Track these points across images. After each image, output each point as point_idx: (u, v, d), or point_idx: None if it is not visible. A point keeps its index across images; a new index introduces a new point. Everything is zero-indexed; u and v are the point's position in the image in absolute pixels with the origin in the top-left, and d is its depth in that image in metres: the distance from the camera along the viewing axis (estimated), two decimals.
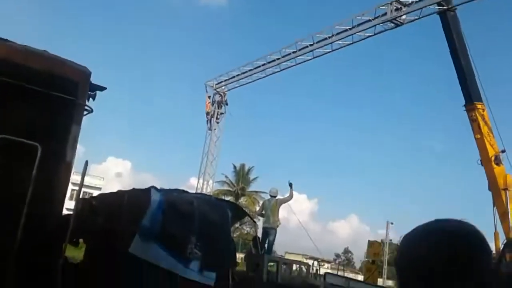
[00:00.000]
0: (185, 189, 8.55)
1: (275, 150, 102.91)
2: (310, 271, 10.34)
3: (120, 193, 7.07)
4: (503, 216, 14.69)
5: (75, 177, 8.98)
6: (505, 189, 14.75)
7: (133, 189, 7.12)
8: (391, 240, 45.50)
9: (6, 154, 4.91)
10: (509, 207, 14.59)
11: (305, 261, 13.94)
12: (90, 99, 6.17)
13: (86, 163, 5.94)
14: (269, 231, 10.62)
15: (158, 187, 7.12)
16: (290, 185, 11.10)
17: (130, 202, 6.50)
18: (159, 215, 6.41)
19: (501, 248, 13.82)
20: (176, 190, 7.70)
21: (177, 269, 6.27)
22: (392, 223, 41.89)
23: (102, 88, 6.24)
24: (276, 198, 11.00)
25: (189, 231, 6.58)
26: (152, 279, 6.10)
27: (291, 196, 11.13)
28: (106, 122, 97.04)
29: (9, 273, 4.90)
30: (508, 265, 13.30)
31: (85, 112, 5.98)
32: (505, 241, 14.02)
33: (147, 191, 6.66)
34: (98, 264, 6.32)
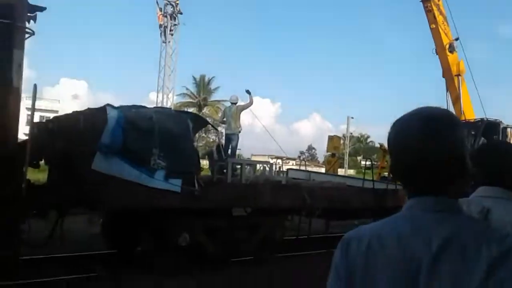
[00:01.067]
0: (145, 105, 8.56)
1: (235, 58, 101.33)
2: (274, 169, 10.82)
3: (75, 114, 7.04)
4: (456, 100, 15.51)
5: (29, 102, 8.77)
6: (458, 75, 15.39)
7: (88, 108, 7.08)
8: (351, 133, 47.56)
9: None
10: (461, 91, 15.35)
11: (271, 161, 14.50)
12: (31, 21, 5.87)
13: (35, 86, 5.86)
14: (231, 137, 10.91)
15: (117, 105, 7.12)
16: (248, 92, 11.25)
17: (87, 121, 6.51)
18: (118, 131, 6.48)
19: None
20: (134, 106, 7.69)
21: (142, 180, 6.52)
22: (352, 118, 43.31)
23: (41, 9, 5.93)
24: (237, 104, 11.15)
25: (150, 143, 6.74)
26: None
27: (251, 102, 11.31)
28: (55, 44, 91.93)
29: None
30: None
31: (26, 35, 5.72)
32: None
33: (103, 109, 6.65)
34: (62, 184, 6.47)
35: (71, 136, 6.45)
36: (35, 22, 5.88)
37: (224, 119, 11.28)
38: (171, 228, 7.24)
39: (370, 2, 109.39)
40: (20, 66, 5.49)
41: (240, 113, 11.00)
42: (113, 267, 7.37)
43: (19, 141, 5.97)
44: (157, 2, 25.82)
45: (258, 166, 10.10)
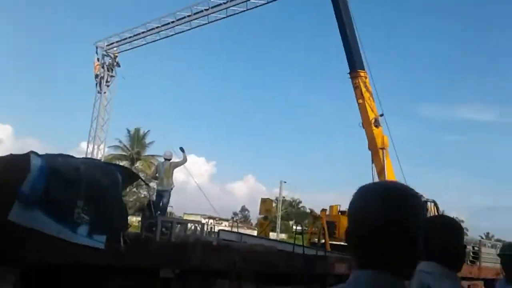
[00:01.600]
0: (74, 155, 8.19)
1: (171, 114, 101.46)
2: (205, 229, 10.58)
3: None
4: (380, 172, 16.32)
5: None
6: (383, 148, 16.31)
7: (10, 154, 6.62)
8: (284, 197, 48.25)
9: None
10: (385, 164, 16.20)
11: (203, 221, 14.21)
12: None
13: None
14: (163, 194, 10.68)
15: (44, 152, 6.74)
16: (182, 149, 11.20)
17: (7, 168, 6.06)
18: (40, 181, 6.06)
19: None
20: (61, 155, 7.32)
21: (64, 234, 6.07)
22: (285, 182, 44.13)
23: None
24: (171, 161, 11.02)
25: (75, 195, 6.35)
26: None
27: (185, 159, 11.20)
28: None
29: None
30: None
31: None
32: None
33: (26, 156, 6.24)
34: None
35: None
36: None
37: (157, 174, 11.05)
38: (95, 287, 6.72)
39: (305, 76, 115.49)
40: None
41: (173, 170, 10.85)
42: None
43: None
44: (96, 52, 25.68)
45: (189, 225, 9.81)
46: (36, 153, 6.43)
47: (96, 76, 26.01)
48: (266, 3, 20.35)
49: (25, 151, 6.43)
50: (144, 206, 10.38)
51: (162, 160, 11.55)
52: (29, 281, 7.43)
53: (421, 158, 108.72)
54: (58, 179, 6.26)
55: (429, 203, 14.56)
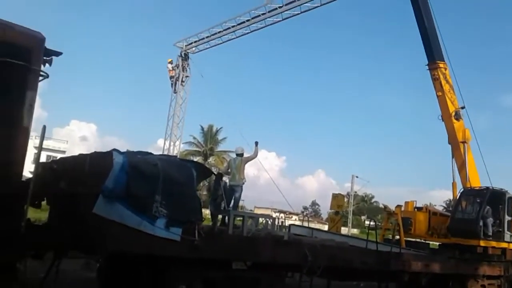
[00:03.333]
0: (152, 151, 8.59)
1: (244, 111, 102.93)
2: (276, 224, 10.66)
3: (81, 156, 7.07)
4: (461, 167, 15.51)
5: (37, 141, 8.83)
6: (464, 142, 15.49)
7: (95, 152, 7.12)
8: (355, 192, 47.26)
9: None
10: (466, 158, 15.36)
11: (273, 215, 14.36)
12: (47, 64, 6.05)
13: (44, 127, 5.92)
14: (235, 188, 10.85)
15: (124, 149, 7.15)
16: (256, 143, 11.32)
17: (92, 164, 6.53)
18: (122, 177, 6.45)
19: (458, 196, 14.70)
20: (140, 152, 7.73)
21: (143, 227, 6.42)
22: (357, 177, 43.15)
23: (57, 53, 6.11)
24: (242, 156, 11.20)
25: (153, 190, 6.68)
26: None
27: (256, 154, 11.32)
28: (70, 86, 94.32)
29: None
30: (464, 211, 14.21)
31: (40, 78, 5.87)
32: (462, 189, 14.89)
33: (109, 153, 6.66)
34: (61, 226, 6.40)
35: (75, 178, 6.45)
36: (50, 65, 6.05)
37: (229, 170, 11.27)
38: (169, 277, 7.06)
39: (377, 67, 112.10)
40: (32, 106, 5.60)
41: (244, 165, 10.99)
42: None
43: (23, 179, 5.97)
44: (180, 55, 26.69)
45: (260, 219, 9.95)
46: (118, 151, 6.86)
47: (171, 77, 27.17)
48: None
49: (107, 148, 6.90)
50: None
51: (234, 155, 11.76)
52: (109, 270, 8.00)
53: (506, 151, 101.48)
54: (138, 174, 6.63)
55: None
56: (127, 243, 6.34)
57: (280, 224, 11.33)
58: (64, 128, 76.40)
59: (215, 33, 25.36)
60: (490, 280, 12.24)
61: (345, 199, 36.82)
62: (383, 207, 15.93)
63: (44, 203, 7.08)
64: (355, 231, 40.39)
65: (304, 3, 21.11)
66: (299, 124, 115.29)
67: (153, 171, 6.81)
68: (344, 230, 26.05)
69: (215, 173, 10.89)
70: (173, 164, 7.67)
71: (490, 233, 12.86)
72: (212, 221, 10.30)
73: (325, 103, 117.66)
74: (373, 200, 67.34)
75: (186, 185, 7.29)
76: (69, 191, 6.46)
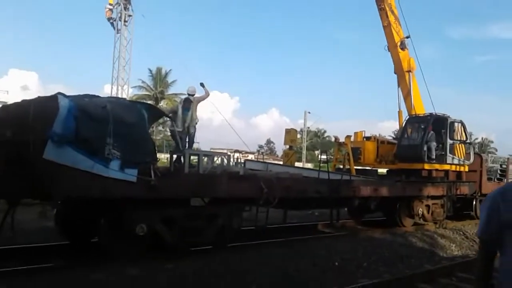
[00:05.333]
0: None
1: (193, 52, 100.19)
2: (232, 161, 10.86)
3: (25, 102, 6.79)
4: (406, 95, 16.07)
5: None
6: (409, 71, 15.94)
7: (39, 97, 6.83)
8: (308, 128, 48.27)
9: None
10: (411, 87, 15.90)
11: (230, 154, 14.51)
12: None
13: None
14: (189, 129, 10.82)
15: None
16: (202, 84, 11.22)
17: (37, 110, 6.30)
18: (70, 120, 6.29)
19: (403, 124, 15.36)
20: (87, 95, 7.48)
21: (96, 169, 6.39)
22: (309, 112, 43.85)
23: None
24: (194, 96, 11.07)
25: (104, 133, 6.59)
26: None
27: (207, 94, 11.22)
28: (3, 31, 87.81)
29: None
30: (409, 138, 14.92)
31: None
32: (407, 117, 15.54)
33: (54, 97, 6.44)
34: (10, 174, 6.26)
35: (21, 125, 6.24)
36: None
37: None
38: (128, 218, 7.16)
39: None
40: None
41: (197, 105, 10.92)
42: (67, 259, 7.23)
43: None
44: None
45: (215, 157, 10.07)
46: (63, 94, 6.62)
47: (109, 19, 25.79)
48: None
49: None
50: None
51: (185, 96, 11.56)
52: (66, 215, 7.99)
53: (450, 80, 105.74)
54: (86, 117, 6.49)
55: (456, 124, 14.42)
56: (82, 186, 6.32)
57: (235, 161, 11.53)
58: (3, 78, 71.69)
59: None
60: (434, 200, 13.16)
61: (299, 135, 37.57)
62: (334, 139, 16.43)
63: None
64: (309, 165, 41.64)
65: None
66: (251, 63, 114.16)
67: (103, 114, 6.68)
68: (299, 165, 26.79)
69: (166, 113, 10.76)
70: (123, 106, 7.54)
71: (434, 157, 13.62)
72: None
73: (274, 40, 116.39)
74: (326, 135, 69.15)
75: (137, 126, 7.23)
76: (15, 139, 6.26)
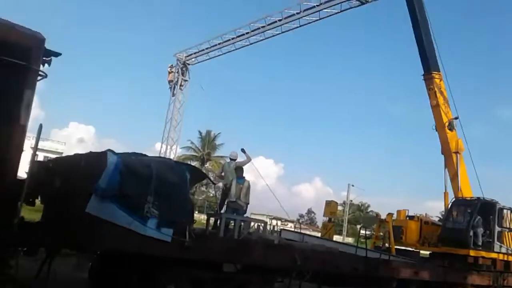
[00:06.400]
0: (149, 155, 8.67)
1: (242, 119, 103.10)
2: (268, 229, 10.80)
3: (76, 156, 7.21)
4: (453, 177, 15.64)
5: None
6: (456, 152, 15.63)
7: (90, 152, 7.25)
8: (351, 201, 47.35)
9: None
10: (459, 169, 15.51)
11: (268, 221, 14.44)
12: (46, 65, 6.17)
13: (40, 126, 6.05)
14: (230, 192, 10.94)
15: (121, 151, 7.28)
16: (243, 150, 11.53)
17: (87, 164, 6.66)
18: (116, 176, 6.59)
19: (449, 206, 14.85)
20: (135, 153, 7.86)
21: (134, 227, 6.55)
22: (353, 185, 43.27)
23: (56, 54, 6.24)
24: (236, 161, 11.36)
25: (146, 191, 6.81)
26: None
27: (248, 159, 11.48)
28: (69, 88, 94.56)
29: None
30: (455, 221, 14.35)
31: (39, 77, 6.00)
32: (453, 199, 15.03)
33: (104, 154, 6.80)
34: (54, 224, 6.51)
35: (70, 177, 6.58)
36: (49, 66, 6.19)
37: (223, 173, 11.41)
38: (158, 277, 7.17)
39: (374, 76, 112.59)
40: (29, 105, 5.74)
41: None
42: None
43: (19, 178, 6.08)
44: (177, 62, 27.01)
45: (252, 223, 10.07)
46: (112, 151, 6.99)
47: (170, 82, 27.46)
48: (338, 12, 20.56)
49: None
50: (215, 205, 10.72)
51: (228, 160, 11.89)
52: (100, 269, 8.09)
53: (500, 160, 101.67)
54: (131, 175, 6.76)
55: (505, 211, 13.79)
56: (117, 242, 6.46)
57: (272, 229, 11.45)
58: (63, 130, 76.66)
59: (215, 45, 25.87)
60: None
61: (340, 208, 36.90)
62: (375, 215, 16.03)
63: (38, 202, 7.19)
64: (350, 239, 40.38)
65: (303, 17, 21.61)
66: (298, 132, 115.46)
67: (146, 172, 6.95)
68: (339, 239, 26.14)
69: (210, 177, 11.02)
70: (167, 166, 7.80)
71: (480, 243, 12.97)
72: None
73: (323, 112, 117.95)
74: (369, 209, 67.37)
75: (178, 187, 7.41)
76: (63, 190, 6.57)
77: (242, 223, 9.66)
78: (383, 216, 14.85)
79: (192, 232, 7.47)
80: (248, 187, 10.55)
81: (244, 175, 10.84)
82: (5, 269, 5.87)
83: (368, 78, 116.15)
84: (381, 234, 14.74)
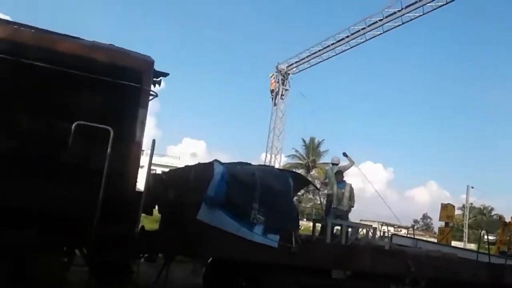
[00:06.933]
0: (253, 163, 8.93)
1: (346, 123, 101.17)
2: (378, 234, 10.43)
3: (187, 167, 7.68)
4: None
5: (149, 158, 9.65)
6: None
7: (199, 163, 7.69)
8: (471, 204, 43.74)
9: (83, 137, 5.63)
10: None
11: (379, 227, 13.98)
12: (156, 85, 6.73)
13: (153, 142, 6.59)
14: (333, 198, 10.83)
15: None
16: (345, 154, 11.32)
17: (196, 175, 7.08)
18: (222, 185, 6.95)
19: None
20: (240, 163, 8.18)
21: (242, 233, 6.80)
22: (472, 187, 40.01)
23: (165, 74, 6.75)
24: (338, 165, 11.19)
25: (251, 198, 7.07)
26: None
27: (351, 163, 11.25)
28: (182, 106, 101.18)
29: (92, 240, 5.69)
30: None
31: (151, 97, 6.54)
32: None
33: (211, 164, 7.22)
34: (170, 232, 6.99)
35: (182, 188, 7.02)
36: (159, 85, 6.73)
37: (326, 180, 11.32)
38: (267, 282, 7.31)
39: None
40: (143, 122, 6.26)
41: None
42: None
43: (137, 190, 6.66)
44: (278, 70, 27.69)
45: (360, 229, 9.82)
46: (219, 161, 7.38)
47: (272, 91, 28.09)
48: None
49: None
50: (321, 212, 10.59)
51: (331, 165, 11.74)
52: (214, 274, 8.47)
53: None
54: (236, 183, 7.08)
55: None
56: (227, 248, 6.77)
57: (382, 234, 11.05)
58: (177, 146, 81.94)
59: (315, 52, 26.07)
60: None
61: (459, 212, 34.24)
62: (498, 218, 14.67)
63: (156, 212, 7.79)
64: (471, 246, 37.31)
65: (406, 14, 21.04)
66: (407, 135, 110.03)
67: (251, 180, 7.20)
68: (459, 245, 24.29)
69: (314, 184, 10.99)
70: (271, 173, 7.99)
71: None
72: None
73: (434, 111, 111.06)
74: (493, 213, 61.76)
75: (283, 194, 7.55)
76: (176, 200, 7.04)
77: (350, 229, 9.49)
78: (508, 219, 13.51)
79: (298, 237, 7.55)
80: (351, 190, 10.36)
81: (345, 179, 10.68)
82: (128, 274, 6.43)
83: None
84: (506, 238, 13.40)
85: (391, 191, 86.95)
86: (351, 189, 10.32)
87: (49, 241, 5.54)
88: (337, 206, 10.25)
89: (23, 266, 5.50)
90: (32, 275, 5.54)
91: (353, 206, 10.49)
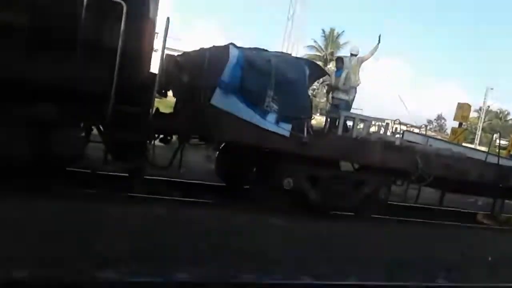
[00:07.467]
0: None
1: (365, 14, 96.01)
2: (389, 130, 10.35)
3: (202, 50, 7.45)
4: None
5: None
6: None
7: (214, 46, 7.44)
8: (488, 107, 43.22)
9: (95, 12, 5.40)
10: None
11: (391, 124, 13.88)
12: None
13: (168, 19, 6.27)
14: (349, 90, 10.47)
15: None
16: (379, 37, 10.50)
17: (211, 58, 6.89)
18: (237, 71, 6.81)
19: None
20: (256, 48, 7.90)
21: (255, 120, 6.82)
22: (492, 89, 39.02)
23: None
24: (357, 56, 10.63)
25: (266, 85, 6.96)
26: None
27: (371, 53, 10.51)
28: None
29: (107, 118, 5.76)
30: None
31: None
32: None
33: (226, 47, 6.98)
34: (184, 114, 7.03)
35: (196, 71, 6.90)
36: None
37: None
38: (277, 170, 7.51)
39: None
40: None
41: (360, 65, 10.44)
42: (221, 198, 7.98)
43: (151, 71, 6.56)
44: None
45: (372, 123, 9.71)
46: (234, 45, 7.12)
47: None
48: None
49: None
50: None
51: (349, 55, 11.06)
52: (225, 161, 8.70)
53: None
54: (251, 69, 6.92)
55: None
56: (240, 133, 6.84)
57: (394, 130, 10.98)
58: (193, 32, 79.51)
59: None
60: None
61: (475, 114, 33.77)
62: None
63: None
64: (482, 149, 37.62)
65: None
66: (434, 28, 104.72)
67: (267, 67, 7.02)
68: (468, 146, 24.38)
69: (328, 73, 10.62)
70: (286, 61, 7.76)
71: None
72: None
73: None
74: (508, 118, 61.29)
75: (297, 82, 7.40)
76: (191, 83, 6.97)
77: (362, 123, 9.34)
78: None
79: (310, 128, 7.57)
80: (347, 76, 9.83)
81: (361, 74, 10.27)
82: (143, 153, 6.62)
83: None
84: None
85: (410, 90, 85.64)
86: (348, 75, 9.92)
87: (67, 115, 5.65)
88: (333, 95, 10.10)
89: (45, 139, 5.66)
90: (52, 147, 5.72)
91: (352, 86, 10.12)
